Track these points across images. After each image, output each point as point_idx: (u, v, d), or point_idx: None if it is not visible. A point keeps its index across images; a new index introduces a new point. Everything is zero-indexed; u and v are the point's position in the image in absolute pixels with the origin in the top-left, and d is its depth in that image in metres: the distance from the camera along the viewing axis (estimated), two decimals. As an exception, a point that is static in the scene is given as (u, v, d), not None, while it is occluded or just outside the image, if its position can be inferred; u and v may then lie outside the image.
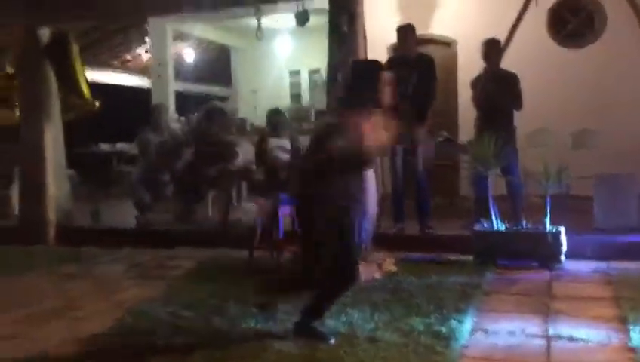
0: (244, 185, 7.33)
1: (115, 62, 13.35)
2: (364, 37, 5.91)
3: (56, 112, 7.09)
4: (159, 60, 10.52)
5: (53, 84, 7.01)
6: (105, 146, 12.06)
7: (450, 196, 7.47)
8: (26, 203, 7.08)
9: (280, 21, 10.20)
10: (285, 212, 5.49)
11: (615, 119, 7.16)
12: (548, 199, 4.90)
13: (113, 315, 3.88)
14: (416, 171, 5.86)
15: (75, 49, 6.89)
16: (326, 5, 5.91)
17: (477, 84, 5.94)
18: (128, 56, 13.32)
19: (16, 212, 7.42)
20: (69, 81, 6.83)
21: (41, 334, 3.65)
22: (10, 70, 7.71)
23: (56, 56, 6.85)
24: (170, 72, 10.59)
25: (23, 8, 6.93)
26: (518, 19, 7.75)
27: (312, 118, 10.21)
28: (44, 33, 7.03)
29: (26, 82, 7.04)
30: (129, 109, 9.92)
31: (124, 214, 7.30)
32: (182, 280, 4.87)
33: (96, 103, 6.99)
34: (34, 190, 6.97)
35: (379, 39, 7.23)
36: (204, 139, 7.04)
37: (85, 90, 6.87)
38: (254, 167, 6.92)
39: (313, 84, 12.32)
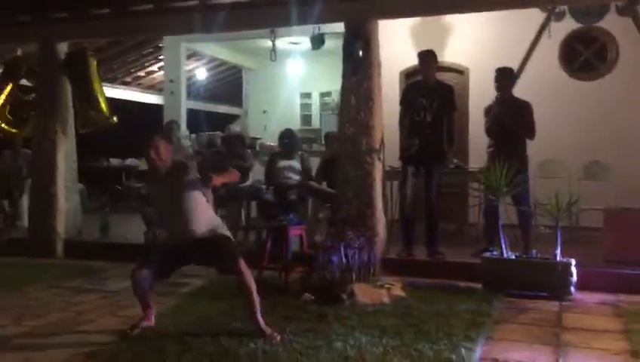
0: (253, 204, 7.34)
1: (129, 79, 13.50)
2: (379, 63, 5.97)
3: (70, 126, 7.16)
4: (172, 78, 10.65)
5: (69, 98, 7.09)
6: (115, 161, 12.15)
7: (459, 223, 7.46)
8: (36, 215, 7.11)
9: (294, 43, 10.31)
10: (295, 232, 5.51)
11: (627, 153, 7.16)
12: (558, 230, 4.90)
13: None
14: (430, 197, 5.85)
15: (94, 63, 6.96)
16: (341, 29, 5.97)
17: (489, 111, 5.97)
18: (142, 73, 13.47)
19: (26, 224, 7.45)
20: (86, 95, 6.87)
21: (50, 348, 3.65)
22: (25, 83, 7.76)
23: (75, 71, 6.92)
24: (183, 89, 10.71)
25: (41, 23, 7.05)
26: (531, 50, 7.79)
27: (322, 141, 10.26)
28: (62, 48, 7.14)
29: (43, 95, 7.11)
30: (141, 125, 9.99)
31: (133, 229, 7.31)
32: (191, 298, 4.86)
33: (114, 118, 7.03)
34: (44, 203, 7.00)
35: (393, 65, 7.30)
36: (216, 160, 7.24)
37: (103, 104, 6.92)
38: (264, 186, 6.95)
39: (324, 107, 12.41)
